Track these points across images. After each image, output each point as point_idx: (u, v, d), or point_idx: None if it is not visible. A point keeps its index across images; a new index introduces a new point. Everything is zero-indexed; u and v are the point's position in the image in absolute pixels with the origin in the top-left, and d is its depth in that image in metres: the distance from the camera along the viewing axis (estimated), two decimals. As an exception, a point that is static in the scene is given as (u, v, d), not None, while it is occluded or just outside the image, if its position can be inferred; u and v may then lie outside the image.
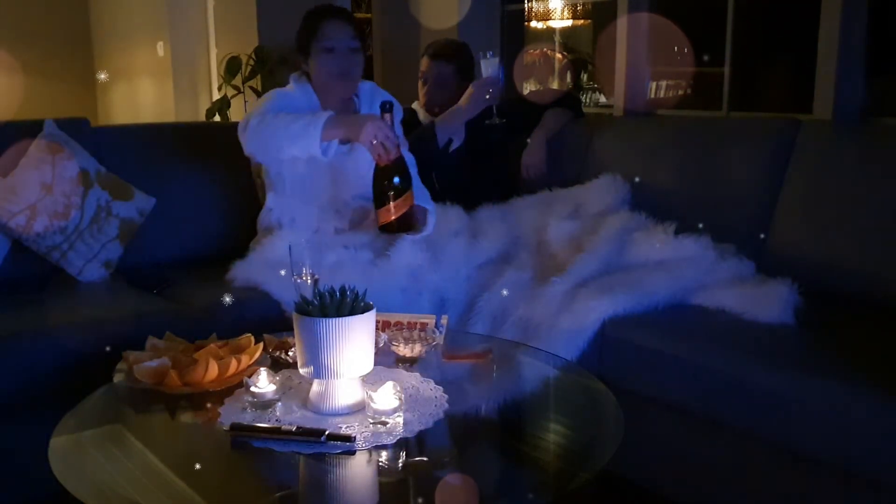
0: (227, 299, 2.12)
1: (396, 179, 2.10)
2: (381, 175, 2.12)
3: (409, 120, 2.93)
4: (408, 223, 2.18)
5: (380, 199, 2.13)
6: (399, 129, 2.45)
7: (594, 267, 2.23)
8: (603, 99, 3.83)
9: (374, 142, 2.11)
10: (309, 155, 2.22)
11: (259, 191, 2.70)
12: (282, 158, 2.31)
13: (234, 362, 1.63)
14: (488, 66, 2.69)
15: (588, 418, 1.57)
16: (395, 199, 2.10)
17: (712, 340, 1.91)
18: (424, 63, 2.97)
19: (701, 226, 2.29)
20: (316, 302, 1.45)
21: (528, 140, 2.85)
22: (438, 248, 2.34)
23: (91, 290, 2.36)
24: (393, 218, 2.12)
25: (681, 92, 3.34)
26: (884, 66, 2.64)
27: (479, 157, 2.87)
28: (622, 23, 3.25)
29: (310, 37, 2.42)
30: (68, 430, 1.44)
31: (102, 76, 5.33)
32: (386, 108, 2.11)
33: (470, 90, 2.77)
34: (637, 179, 2.54)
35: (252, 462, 1.40)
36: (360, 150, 2.30)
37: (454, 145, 2.82)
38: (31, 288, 2.31)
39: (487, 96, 2.71)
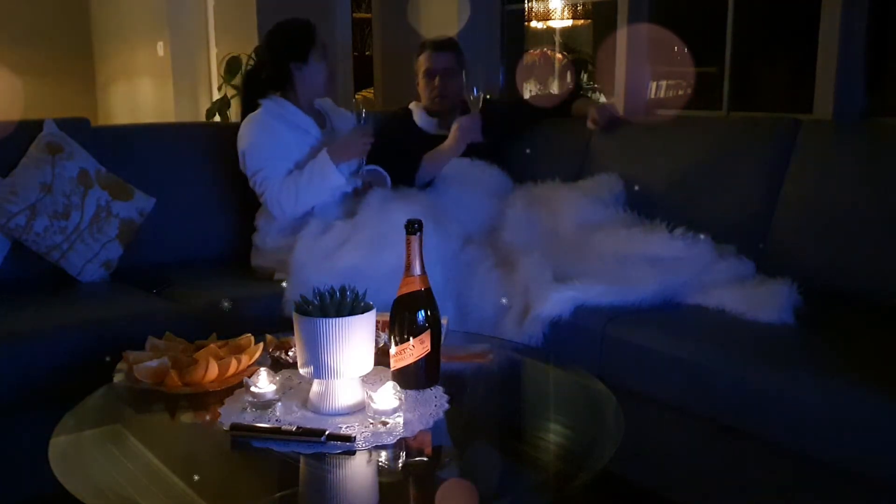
0: (226, 304, 2.16)
1: (420, 315, 1.57)
2: (403, 306, 1.59)
3: (405, 120, 2.92)
4: (429, 372, 1.60)
5: (399, 336, 1.58)
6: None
7: (593, 266, 2.23)
8: (603, 99, 3.83)
9: (366, 147, 2.50)
10: (342, 192, 2.50)
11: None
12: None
13: (234, 362, 1.63)
14: (475, 104, 2.65)
15: (588, 418, 1.57)
16: (415, 337, 1.56)
17: (712, 340, 1.91)
18: (427, 58, 2.89)
19: (700, 226, 2.29)
20: (316, 301, 1.45)
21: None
22: (439, 247, 2.33)
23: (91, 290, 2.36)
24: (410, 362, 1.57)
25: (681, 92, 3.33)
26: (884, 66, 2.64)
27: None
28: (622, 23, 3.25)
29: (308, 45, 2.54)
30: (68, 430, 1.45)
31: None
32: (415, 227, 1.58)
33: (455, 132, 2.72)
34: (637, 188, 2.56)
35: (252, 462, 1.40)
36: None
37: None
38: (31, 288, 2.32)
39: (472, 135, 2.70)
